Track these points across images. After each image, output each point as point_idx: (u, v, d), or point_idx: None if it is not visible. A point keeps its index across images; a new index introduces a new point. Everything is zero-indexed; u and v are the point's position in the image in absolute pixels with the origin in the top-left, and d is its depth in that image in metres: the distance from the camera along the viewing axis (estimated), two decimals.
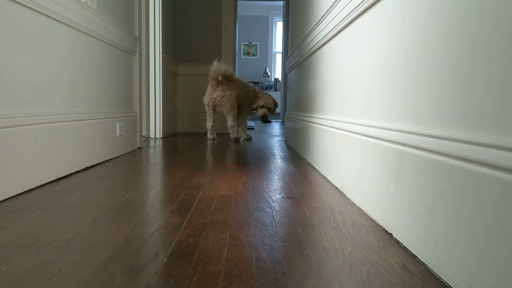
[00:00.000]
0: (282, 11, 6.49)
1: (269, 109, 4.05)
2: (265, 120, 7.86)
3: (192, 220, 1.16)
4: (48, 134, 1.61)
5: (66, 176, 1.75)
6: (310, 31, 2.38)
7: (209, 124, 3.91)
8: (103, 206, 1.25)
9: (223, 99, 3.74)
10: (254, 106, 4.09)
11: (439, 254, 0.80)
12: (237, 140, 3.83)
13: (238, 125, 3.95)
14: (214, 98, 3.77)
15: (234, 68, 4.94)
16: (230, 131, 3.87)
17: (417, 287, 0.75)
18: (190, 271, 0.80)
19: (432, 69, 0.88)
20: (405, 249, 0.94)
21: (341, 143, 1.61)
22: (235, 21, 4.86)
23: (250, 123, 6.45)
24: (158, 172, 2.00)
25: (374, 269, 0.83)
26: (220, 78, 3.68)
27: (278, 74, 10.00)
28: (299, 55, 2.90)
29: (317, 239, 1.01)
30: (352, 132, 1.45)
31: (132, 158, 2.47)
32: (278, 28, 10.06)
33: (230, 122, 3.82)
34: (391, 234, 1.04)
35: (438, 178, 0.81)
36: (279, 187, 1.66)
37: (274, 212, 1.27)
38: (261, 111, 4.03)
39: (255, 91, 4.08)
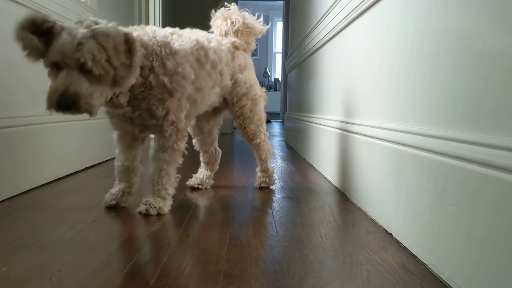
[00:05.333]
0: (282, 11, 6.48)
1: None
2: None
3: (192, 219, 1.16)
4: (47, 134, 1.61)
5: (66, 176, 1.75)
6: (310, 31, 2.38)
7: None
8: (103, 206, 1.25)
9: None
10: None
11: (438, 253, 0.80)
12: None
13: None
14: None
15: None
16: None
17: (417, 287, 0.75)
18: (190, 271, 0.80)
19: (434, 69, 0.88)
20: (405, 249, 0.94)
21: (341, 143, 1.61)
22: None
23: None
24: None
25: (374, 269, 0.83)
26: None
27: (278, 74, 10.00)
28: (299, 55, 2.90)
29: (317, 239, 1.01)
30: (352, 132, 1.45)
31: None
32: (278, 28, 10.06)
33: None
34: (391, 234, 1.04)
35: (438, 178, 0.81)
36: (279, 187, 1.66)
37: (274, 212, 1.27)
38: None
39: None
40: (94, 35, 0.94)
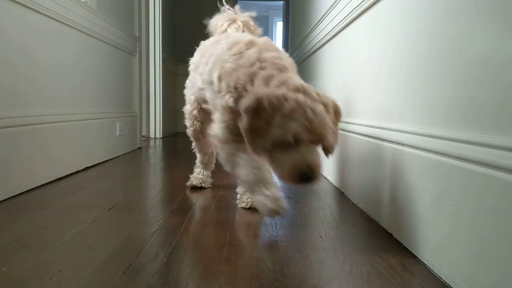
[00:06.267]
0: (282, 11, 6.48)
1: None
2: None
3: (192, 220, 1.16)
4: (47, 135, 1.61)
5: (66, 176, 1.75)
6: (310, 31, 2.38)
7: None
8: (103, 206, 1.25)
9: None
10: None
11: (439, 254, 0.80)
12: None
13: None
14: None
15: None
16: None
17: (417, 287, 0.75)
18: (190, 271, 0.80)
19: (434, 69, 0.88)
20: (405, 249, 0.94)
21: (340, 143, 1.61)
22: None
23: None
24: (158, 172, 2.00)
25: (374, 269, 0.83)
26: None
27: None
28: (299, 55, 2.90)
29: (317, 239, 1.01)
30: (352, 132, 1.45)
31: (132, 158, 2.46)
32: (278, 28, 10.06)
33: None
34: (391, 234, 1.04)
35: (438, 178, 0.81)
36: (279, 187, 1.66)
37: None
38: None
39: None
40: (328, 111, 0.93)
